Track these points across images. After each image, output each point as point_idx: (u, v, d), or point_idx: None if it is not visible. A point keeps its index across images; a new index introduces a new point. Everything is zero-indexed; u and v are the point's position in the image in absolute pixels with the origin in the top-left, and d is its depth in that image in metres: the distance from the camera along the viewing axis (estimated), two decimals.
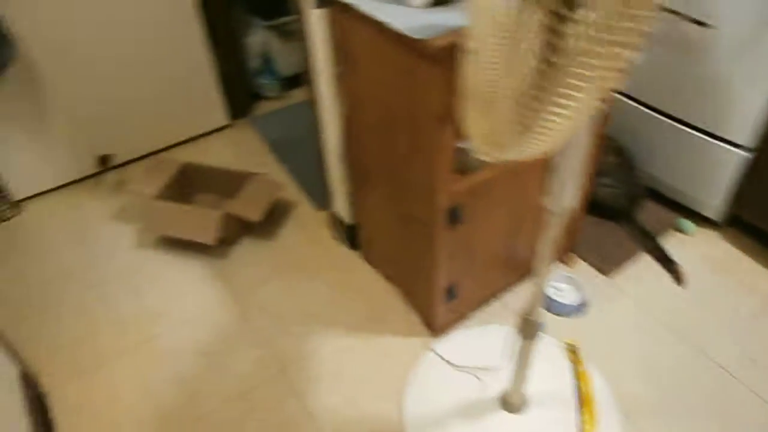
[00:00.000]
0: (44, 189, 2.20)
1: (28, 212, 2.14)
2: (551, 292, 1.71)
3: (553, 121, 0.63)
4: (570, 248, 1.80)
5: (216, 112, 2.43)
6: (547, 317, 1.67)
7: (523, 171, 1.41)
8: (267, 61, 2.59)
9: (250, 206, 1.87)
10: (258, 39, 2.51)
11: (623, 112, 1.96)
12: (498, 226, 1.49)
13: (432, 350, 1.57)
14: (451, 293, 1.52)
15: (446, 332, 1.63)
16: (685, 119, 1.79)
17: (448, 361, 1.54)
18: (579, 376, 1.48)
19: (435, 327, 1.60)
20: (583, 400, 1.42)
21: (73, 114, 2.10)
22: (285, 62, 2.65)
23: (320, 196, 2.09)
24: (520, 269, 1.72)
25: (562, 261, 1.82)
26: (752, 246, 1.85)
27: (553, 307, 1.69)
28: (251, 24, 2.50)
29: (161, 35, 2.13)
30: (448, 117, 1.14)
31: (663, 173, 1.95)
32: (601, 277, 1.77)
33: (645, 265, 1.81)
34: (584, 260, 1.82)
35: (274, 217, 2.04)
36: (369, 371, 1.54)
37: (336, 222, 1.90)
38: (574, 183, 0.92)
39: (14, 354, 1.48)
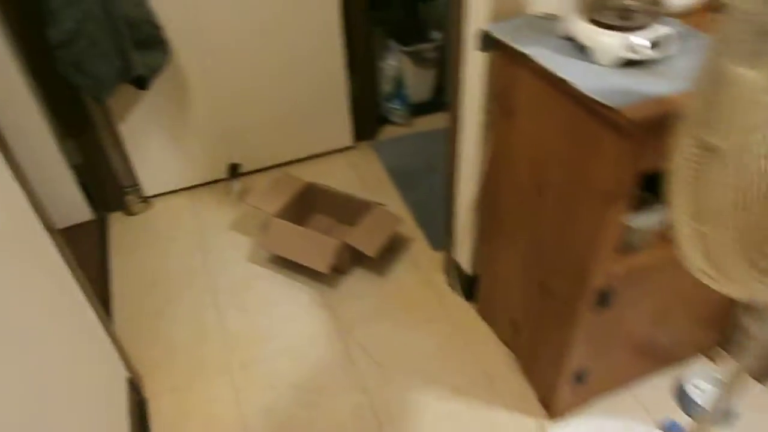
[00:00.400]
0: (174, 188, 2.27)
1: (156, 209, 2.21)
2: (692, 391, 1.49)
3: None
4: (720, 342, 1.56)
5: (343, 132, 2.41)
6: (683, 419, 1.45)
7: None
8: (398, 86, 2.53)
9: (367, 239, 1.80)
10: (393, 63, 2.47)
11: None
12: (646, 312, 1.31)
13: None
14: (579, 378, 1.36)
15: (564, 416, 1.45)
16: None
17: None
18: None
19: (553, 409, 1.43)
20: None
21: (211, 121, 2.15)
22: (416, 89, 2.59)
23: (438, 236, 1.99)
24: (658, 360, 1.51)
25: (708, 356, 1.58)
26: None
27: (692, 408, 1.47)
28: (388, 48, 2.46)
29: (305, 54, 2.14)
30: (621, 194, 1.00)
31: None
32: (757, 386, 1.52)
33: None
34: (736, 361, 1.57)
35: (388, 250, 1.96)
36: None
37: (453, 268, 1.79)
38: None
39: (126, 358, 1.49)
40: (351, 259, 1.88)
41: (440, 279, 1.86)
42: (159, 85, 1.95)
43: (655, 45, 0.97)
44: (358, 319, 1.74)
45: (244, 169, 2.30)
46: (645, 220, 1.10)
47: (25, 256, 1.03)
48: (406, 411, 1.49)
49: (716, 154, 0.57)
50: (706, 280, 0.61)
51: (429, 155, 2.42)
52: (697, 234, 0.61)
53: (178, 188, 2.28)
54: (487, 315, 1.70)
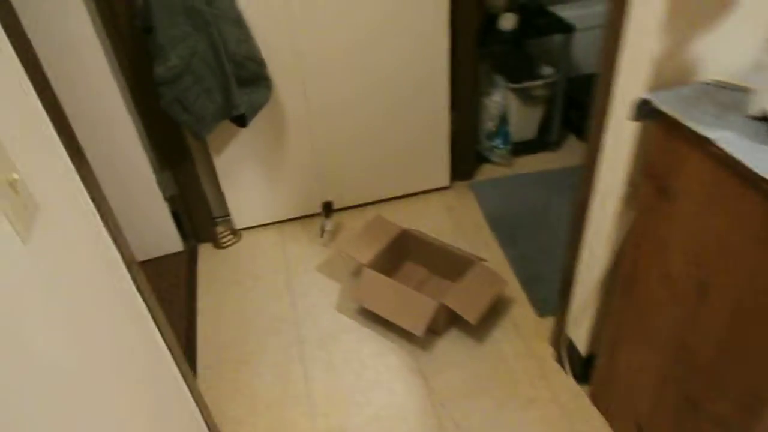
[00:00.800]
0: (263, 222, 2.21)
1: (245, 242, 2.16)
2: None
3: None
4: None
5: (440, 171, 2.26)
6: None
7: None
8: (501, 123, 2.36)
9: (468, 303, 1.64)
10: (497, 100, 2.30)
11: None
12: None
13: None
14: None
15: None
16: None
17: None
18: None
19: None
20: None
21: (307, 157, 2.06)
22: (519, 127, 2.41)
23: (545, 300, 1.80)
24: None
25: None
26: None
27: None
28: (494, 83, 2.30)
29: (410, 90, 2.02)
30: None
31: None
32: None
33: None
34: None
35: (488, 311, 1.79)
36: None
37: (563, 342, 1.59)
38: None
39: (209, 418, 1.41)
40: (448, 320, 1.73)
41: (546, 351, 1.67)
42: (258, 120, 1.88)
43: None
44: (453, 392, 1.58)
45: (336, 205, 2.20)
46: None
47: (105, 298, 0.94)
48: None
49: None
50: None
51: (532, 201, 2.22)
52: None
53: (267, 222, 2.21)
54: (603, 405, 1.49)
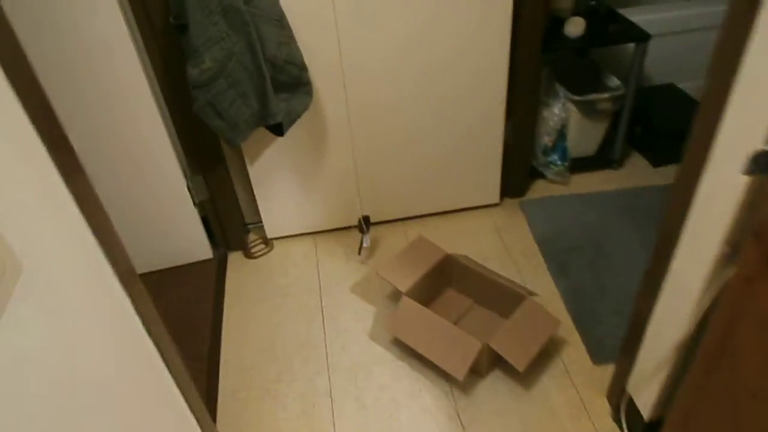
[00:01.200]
0: (296, 233, 2.08)
1: (276, 252, 2.04)
2: None
3: None
4: None
5: (490, 187, 2.09)
6: None
7: None
8: (560, 137, 2.16)
9: (516, 346, 1.48)
10: (557, 112, 2.10)
11: None
12: None
13: None
14: None
15: None
16: None
17: None
18: None
19: None
20: None
21: (347, 167, 1.92)
22: (579, 142, 2.20)
23: (600, 344, 1.62)
24: None
25: None
26: None
27: None
28: (554, 94, 2.09)
29: (463, 99, 1.84)
30: None
31: None
32: None
33: None
34: None
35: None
36: None
37: (623, 400, 1.41)
38: None
39: None
40: (491, 361, 1.57)
41: (601, 406, 1.49)
42: (295, 126, 1.74)
43: None
44: None
45: (376, 219, 2.05)
46: None
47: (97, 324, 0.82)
48: None
49: None
50: None
51: (588, 225, 2.03)
52: None
53: (301, 232, 2.08)
54: None
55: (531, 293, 1.64)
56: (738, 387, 0.99)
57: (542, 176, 2.22)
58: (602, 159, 2.26)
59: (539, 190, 2.21)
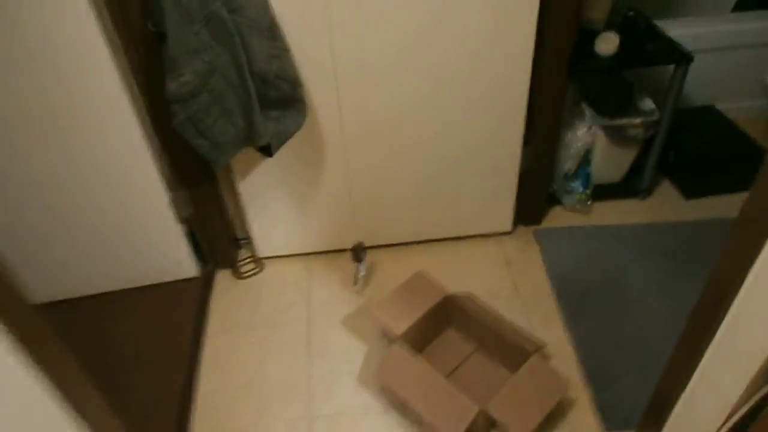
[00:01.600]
0: (288, 253, 1.93)
1: (266, 274, 1.89)
2: None
3: None
4: None
5: (502, 214, 1.90)
6: None
7: None
8: (584, 162, 1.96)
9: (517, 412, 1.31)
10: (582, 136, 1.90)
11: None
12: None
13: None
14: None
15: None
16: None
17: None
18: None
19: None
20: None
21: (343, 187, 1.75)
22: (603, 168, 2.00)
23: (614, 408, 1.44)
24: None
25: None
26: None
27: None
28: (580, 115, 1.90)
29: (476, 116, 1.65)
30: None
31: None
32: None
33: None
34: None
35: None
36: None
37: None
38: None
39: None
40: (488, 424, 1.41)
41: None
42: (288, 143, 1.57)
43: None
44: None
45: (375, 242, 1.89)
46: None
47: None
48: None
49: None
50: None
51: (609, 263, 1.84)
52: None
53: (293, 253, 1.93)
54: None
55: (538, 346, 1.47)
56: None
57: (560, 202, 2.03)
58: (629, 187, 2.06)
59: (556, 218, 2.02)
